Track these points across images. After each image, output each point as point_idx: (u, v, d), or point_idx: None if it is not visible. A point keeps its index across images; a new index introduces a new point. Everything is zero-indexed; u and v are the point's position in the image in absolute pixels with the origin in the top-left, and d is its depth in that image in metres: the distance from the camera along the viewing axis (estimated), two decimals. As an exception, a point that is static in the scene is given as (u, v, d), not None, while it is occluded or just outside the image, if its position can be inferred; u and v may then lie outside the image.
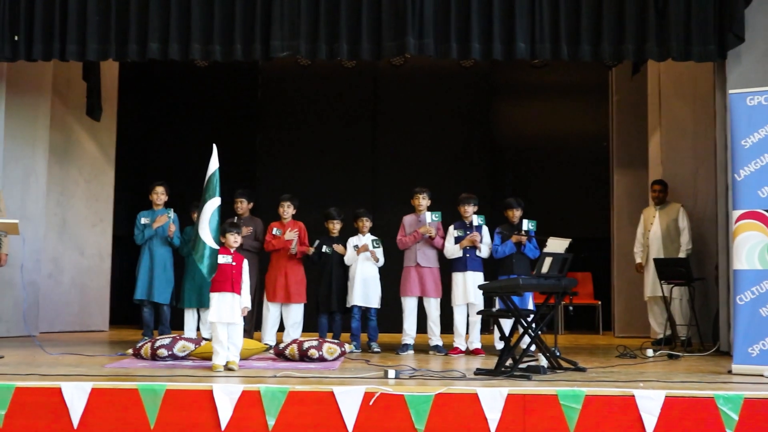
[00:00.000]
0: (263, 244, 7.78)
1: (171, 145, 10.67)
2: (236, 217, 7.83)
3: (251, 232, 7.79)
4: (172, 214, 7.83)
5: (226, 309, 5.75)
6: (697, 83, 8.32)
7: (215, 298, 5.77)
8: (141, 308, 7.81)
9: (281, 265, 7.67)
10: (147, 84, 10.89)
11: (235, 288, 5.78)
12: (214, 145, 5.84)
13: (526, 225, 7.31)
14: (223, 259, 5.77)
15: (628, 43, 7.08)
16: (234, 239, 5.92)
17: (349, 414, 4.67)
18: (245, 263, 5.93)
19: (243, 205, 7.95)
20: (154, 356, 6.29)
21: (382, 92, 10.57)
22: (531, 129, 10.96)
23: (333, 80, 10.45)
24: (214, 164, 5.82)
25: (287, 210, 7.77)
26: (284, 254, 7.68)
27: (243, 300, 5.82)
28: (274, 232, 7.71)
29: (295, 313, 7.67)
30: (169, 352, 6.30)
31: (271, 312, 7.68)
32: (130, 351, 6.58)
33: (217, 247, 5.73)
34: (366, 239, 7.69)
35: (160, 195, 7.89)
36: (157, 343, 6.34)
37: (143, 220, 7.84)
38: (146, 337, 7.41)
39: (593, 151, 10.57)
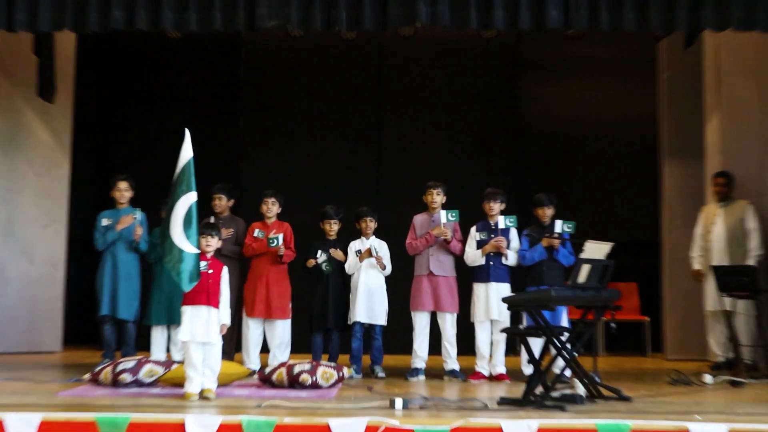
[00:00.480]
0: (243, 248, 7.76)
1: (138, 133, 10.67)
2: (213, 217, 7.80)
3: (232, 235, 7.77)
4: (138, 214, 7.83)
5: (201, 326, 5.72)
6: (764, 57, 8.26)
7: (188, 312, 5.74)
8: (101, 325, 7.78)
9: (263, 273, 7.66)
10: (109, 60, 10.89)
11: (212, 301, 5.76)
12: (187, 130, 5.82)
13: (560, 226, 7.28)
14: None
15: (680, 10, 7.01)
16: (206, 243, 5.90)
17: (348, 451, 4.64)
18: (225, 271, 5.92)
19: (222, 203, 7.94)
20: (116, 382, 6.28)
21: (388, 69, 10.54)
22: (564, 112, 10.93)
23: (330, 55, 10.44)
24: (187, 153, 5.80)
25: (271, 207, 7.76)
26: (267, 260, 7.67)
27: (221, 315, 5.81)
28: (255, 234, 7.70)
29: (281, 332, 7.65)
30: (134, 378, 6.29)
31: (251, 330, 7.66)
32: (88, 376, 6.58)
33: (197, 251, 5.69)
34: (370, 243, 7.66)
35: (124, 192, 7.89)
36: (120, 367, 6.33)
37: (105, 222, 7.85)
38: (107, 360, 7.39)
39: (639, 138, 10.54)
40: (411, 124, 10.39)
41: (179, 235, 5.65)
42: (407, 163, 10.18)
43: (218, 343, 5.80)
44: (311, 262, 7.64)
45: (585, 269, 5.87)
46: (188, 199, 5.73)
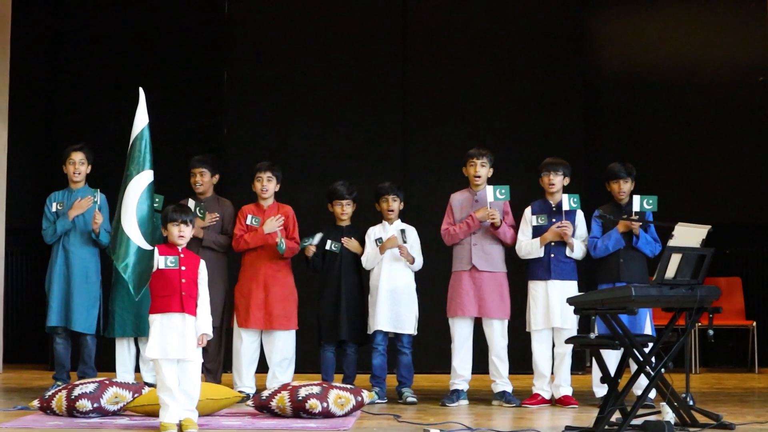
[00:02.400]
0: (233, 240, 7.79)
1: (95, 90, 10.66)
2: (190, 198, 7.80)
3: (216, 221, 7.80)
4: (98, 196, 7.85)
5: (174, 339, 5.75)
6: None
7: (157, 322, 5.77)
8: (51, 339, 7.83)
9: (260, 272, 7.69)
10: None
11: (187, 306, 5.79)
12: (141, 91, 5.84)
13: (640, 204, 7.24)
14: (166, 262, 5.77)
15: None
16: (180, 232, 5.92)
17: (370, 498, 4.71)
18: (202, 268, 5.96)
19: (205, 179, 7.94)
20: (72, 410, 6.35)
21: (415, 4, 10.49)
22: (645, 56, 10.86)
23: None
24: (141, 119, 5.86)
25: (267, 185, 7.77)
26: (265, 256, 7.69)
27: (200, 324, 5.84)
28: (248, 222, 7.72)
29: (284, 345, 7.70)
30: (95, 405, 6.35)
31: (245, 344, 7.70)
32: (36, 403, 6.62)
33: (148, 246, 5.72)
34: (394, 229, 7.67)
35: (78, 166, 7.91)
36: (77, 392, 6.40)
37: (55, 206, 7.87)
38: (60, 383, 7.46)
39: (745, 89, 10.48)
40: (445, 74, 10.34)
41: (132, 227, 5.70)
42: (441, 126, 10.16)
43: (197, 360, 5.83)
44: (310, 249, 7.62)
45: (675, 260, 5.85)
46: (141, 181, 5.78)
